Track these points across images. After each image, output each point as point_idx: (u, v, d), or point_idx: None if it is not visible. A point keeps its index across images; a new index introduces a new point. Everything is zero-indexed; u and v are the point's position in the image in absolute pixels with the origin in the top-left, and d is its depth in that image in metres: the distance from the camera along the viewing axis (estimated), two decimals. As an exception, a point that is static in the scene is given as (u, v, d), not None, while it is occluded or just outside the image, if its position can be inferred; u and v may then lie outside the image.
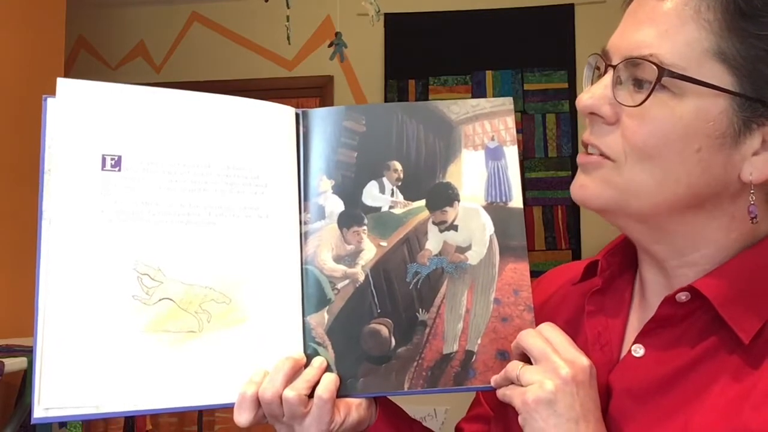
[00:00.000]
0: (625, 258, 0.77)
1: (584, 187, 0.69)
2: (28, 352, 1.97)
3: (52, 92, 0.72)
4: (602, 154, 0.68)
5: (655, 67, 0.63)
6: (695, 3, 0.63)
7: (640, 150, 0.65)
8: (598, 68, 0.71)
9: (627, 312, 0.75)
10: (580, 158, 0.70)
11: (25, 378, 2.14)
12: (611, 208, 0.69)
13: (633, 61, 0.64)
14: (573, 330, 0.72)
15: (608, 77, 0.67)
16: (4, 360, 1.83)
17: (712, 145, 0.63)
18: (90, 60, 3.93)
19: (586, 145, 0.70)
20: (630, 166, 0.66)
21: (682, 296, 0.66)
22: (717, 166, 0.64)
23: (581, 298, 0.77)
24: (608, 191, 0.67)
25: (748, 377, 0.63)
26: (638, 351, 0.69)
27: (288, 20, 2.76)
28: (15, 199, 2.29)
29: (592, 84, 0.71)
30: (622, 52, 0.66)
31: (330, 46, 2.88)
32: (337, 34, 2.87)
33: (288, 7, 2.65)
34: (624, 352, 0.72)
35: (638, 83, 0.65)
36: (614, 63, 0.67)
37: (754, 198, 0.65)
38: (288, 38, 2.76)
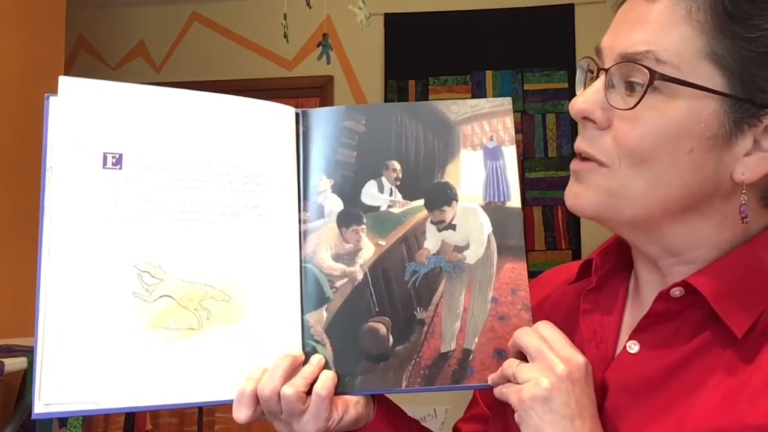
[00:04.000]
0: (619, 257, 0.77)
1: (577, 196, 0.70)
2: (28, 352, 1.97)
3: (52, 92, 0.73)
4: (595, 160, 0.68)
5: (646, 70, 0.63)
6: (686, 4, 0.64)
7: (632, 152, 0.65)
8: (591, 71, 0.72)
9: (622, 309, 0.76)
10: (573, 165, 0.71)
11: (25, 378, 2.14)
12: (605, 215, 0.69)
13: (626, 63, 0.65)
14: (569, 328, 0.72)
15: (600, 81, 0.68)
16: (4, 360, 1.84)
17: (703, 146, 0.64)
18: (90, 60, 3.94)
19: (578, 154, 0.70)
20: (624, 170, 0.66)
21: (676, 291, 0.67)
22: (709, 167, 0.65)
23: (576, 298, 0.78)
24: (601, 197, 0.68)
25: (742, 371, 0.63)
26: (633, 347, 0.70)
27: (285, 18, 2.75)
28: (15, 198, 2.29)
29: (585, 87, 0.71)
30: (616, 52, 0.66)
31: (318, 46, 2.88)
32: (324, 35, 2.87)
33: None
34: (619, 349, 0.73)
35: (630, 86, 0.65)
36: (606, 66, 0.67)
37: (745, 198, 0.65)
38: (285, 36, 2.76)
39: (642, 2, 0.66)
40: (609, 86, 0.67)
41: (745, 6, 0.62)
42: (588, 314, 0.76)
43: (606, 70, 0.67)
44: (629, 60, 0.65)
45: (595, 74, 0.70)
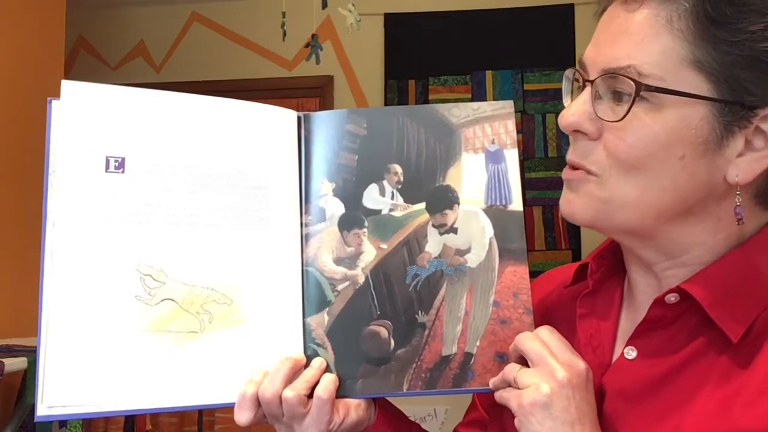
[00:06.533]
0: (614, 260, 0.78)
1: (570, 203, 0.70)
2: (29, 352, 1.97)
3: (52, 92, 0.73)
4: (585, 170, 0.68)
5: (632, 81, 0.63)
6: (666, 13, 0.63)
7: (623, 162, 0.65)
8: (576, 80, 0.71)
9: (617, 314, 0.76)
10: (565, 174, 0.71)
11: (25, 378, 2.14)
12: (598, 222, 0.69)
13: (611, 75, 0.65)
14: (565, 332, 0.72)
15: (587, 93, 0.68)
16: (4, 360, 1.84)
17: (695, 151, 0.64)
18: (90, 60, 3.93)
19: (571, 164, 0.70)
20: (614, 180, 0.66)
21: (672, 298, 0.67)
22: (702, 171, 0.65)
23: (572, 301, 0.78)
24: (594, 206, 0.68)
25: (738, 376, 0.63)
26: (630, 353, 0.70)
27: (284, 17, 2.75)
28: (17, 200, 2.29)
29: (571, 97, 0.71)
30: (599, 66, 0.66)
31: (306, 47, 2.87)
32: (313, 36, 2.86)
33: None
34: (616, 354, 0.73)
35: (617, 96, 0.65)
36: (591, 78, 0.67)
37: (740, 199, 0.65)
38: (284, 34, 2.75)
39: (622, 12, 0.66)
40: (596, 97, 0.67)
41: (727, 10, 0.62)
42: (584, 319, 0.76)
43: (591, 82, 0.67)
44: (612, 74, 0.65)
45: (581, 84, 0.70)
